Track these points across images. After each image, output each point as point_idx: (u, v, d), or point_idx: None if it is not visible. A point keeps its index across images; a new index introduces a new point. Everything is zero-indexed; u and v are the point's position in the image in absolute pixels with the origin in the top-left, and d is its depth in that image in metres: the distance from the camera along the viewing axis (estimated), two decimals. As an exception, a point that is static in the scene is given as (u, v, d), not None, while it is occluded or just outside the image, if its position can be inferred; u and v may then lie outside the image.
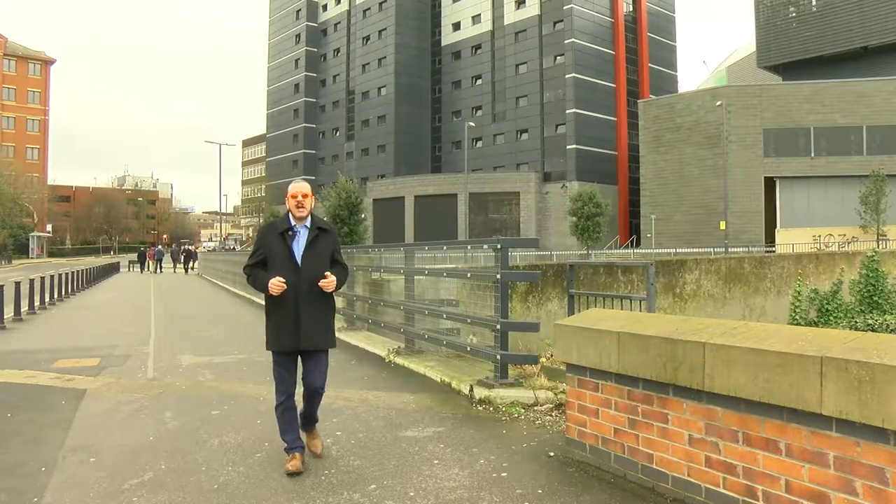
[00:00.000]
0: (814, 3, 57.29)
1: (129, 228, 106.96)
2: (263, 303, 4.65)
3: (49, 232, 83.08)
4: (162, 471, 4.43)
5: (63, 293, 21.24)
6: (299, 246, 4.44)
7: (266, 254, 4.48)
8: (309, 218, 4.52)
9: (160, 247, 56.16)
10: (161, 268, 39.98)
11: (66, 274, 22.65)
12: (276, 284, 4.27)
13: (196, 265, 46.47)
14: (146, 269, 44.13)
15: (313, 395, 4.62)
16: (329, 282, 4.40)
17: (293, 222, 4.49)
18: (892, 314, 20.94)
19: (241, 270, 4.91)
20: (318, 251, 4.49)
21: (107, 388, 7.13)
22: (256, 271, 4.50)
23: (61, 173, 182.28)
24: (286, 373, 4.51)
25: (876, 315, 20.90)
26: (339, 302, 12.42)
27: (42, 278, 18.67)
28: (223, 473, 4.36)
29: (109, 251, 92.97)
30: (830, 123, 47.52)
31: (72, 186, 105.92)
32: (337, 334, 10.88)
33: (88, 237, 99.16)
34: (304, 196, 4.49)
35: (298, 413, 4.67)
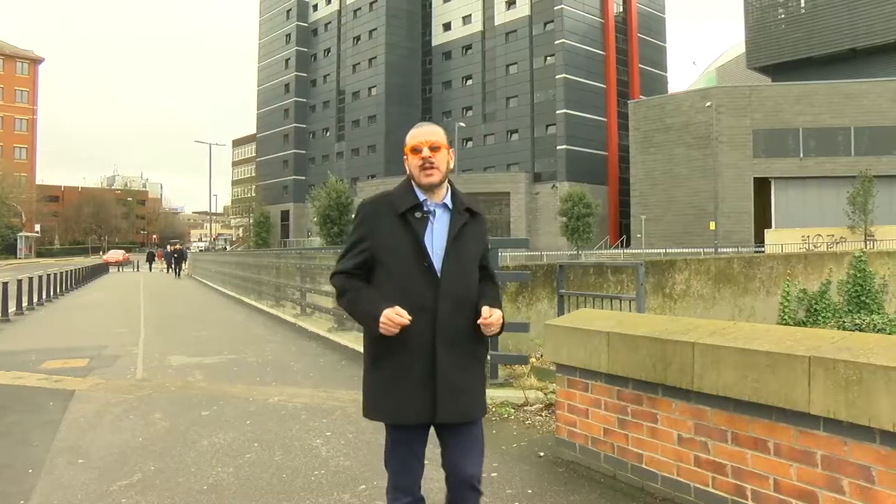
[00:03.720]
0: (803, 4, 57.64)
1: (119, 229, 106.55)
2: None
3: (37, 232, 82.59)
4: (151, 472, 4.40)
5: (52, 293, 21.12)
6: (436, 239, 2.60)
7: (373, 251, 2.62)
8: (447, 189, 2.70)
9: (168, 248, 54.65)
10: (179, 269, 37.95)
11: (55, 274, 22.52)
12: (393, 320, 2.45)
13: (186, 266, 44.26)
14: (169, 270, 42.40)
15: (465, 492, 2.74)
16: (492, 321, 2.57)
17: (421, 195, 2.64)
18: (879, 314, 21.09)
19: (330, 281, 2.86)
20: (466, 251, 2.66)
21: (95, 389, 7.10)
22: (355, 284, 2.64)
23: (50, 173, 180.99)
24: (412, 458, 2.72)
25: (863, 315, 21.04)
26: (329, 302, 12.42)
27: (30, 278, 18.57)
28: (213, 474, 4.34)
29: (99, 251, 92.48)
30: (819, 124, 47.80)
31: (60, 186, 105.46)
32: (327, 335, 10.97)
33: (77, 237, 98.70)
34: (435, 148, 2.63)
35: None
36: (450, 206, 2.68)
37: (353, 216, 2.90)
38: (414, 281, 2.55)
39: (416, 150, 2.65)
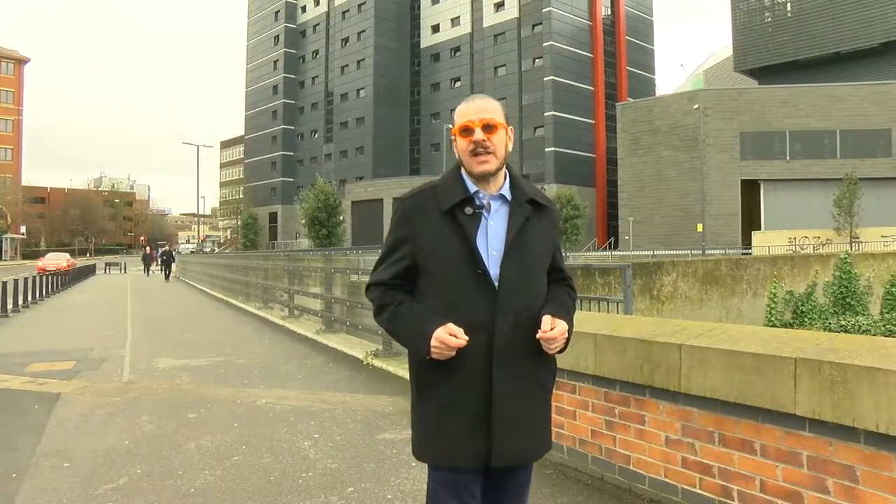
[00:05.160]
0: (789, 9, 58.17)
1: (106, 230, 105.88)
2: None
3: (23, 234, 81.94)
4: (137, 475, 4.38)
5: (38, 295, 20.98)
6: (491, 240, 2.13)
7: (416, 257, 2.17)
8: (505, 177, 2.23)
9: (159, 249, 52.38)
10: (168, 272, 37.11)
11: (41, 276, 22.36)
12: (448, 342, 2.01)
13: (175, 268, 42.83)
14: (148, 272, 42.21)
15: None
16: (553, 334, 2.10)
17: (472, 186, 2.17)
18: (864, 315, 21.25)
19: (365, 294, 2.35)
20: (531, 253, 2.18)
21: (81, 392, 7.05)
22: (396, 298, 2.20)
23: (36, 174, 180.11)
24: None
25: (849, 316, 21.19)
26: (317, 304, 12.40)
27: (16, 280, 18.43)
28: (200, 477, 4.32)
29: (86, 253, 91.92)
30: (805, 127, 48.14)
31: (47, 188, 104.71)
32: (315, 337, 10.95)
33: (64, 239, 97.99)
34: (490, 127, 2.14)
35: None
36: (508, 197, 2.19)
37: (392, 215, 2.30)
38: (465, 292, 2.08)
39: (466, 131, 2.15)
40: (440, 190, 2.19)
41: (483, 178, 2.15)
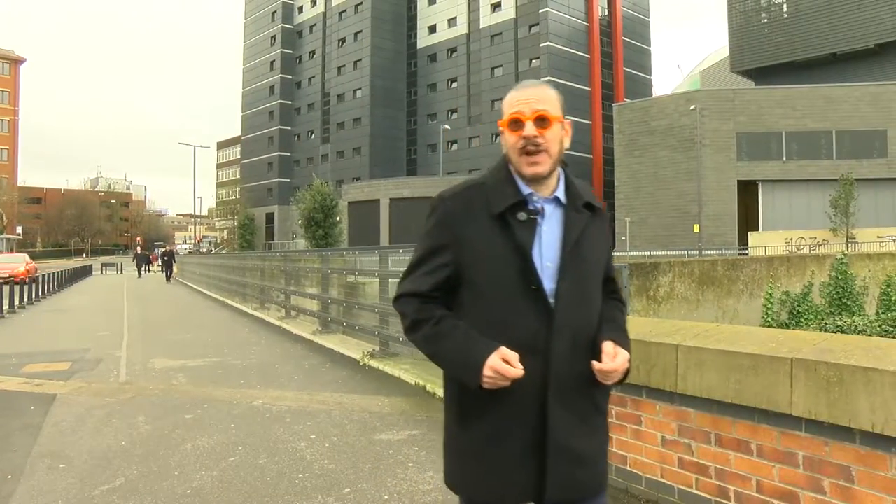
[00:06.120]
0: (785, 10, 58.31)
1: (102, 231, 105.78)
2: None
3: (19, 234, 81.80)
4: (134, 476, 4.37)
5: (34, 296, 20.93)
6: (545, 249, 1.86)
7: (459, 266, 1.88)
8: (560, 177, 1.95)
9: (164, 248, 50.24)
10: (170, 272, 36.27)
11: (38, 276, 22.31)
12: (505, 373, 1.74)
13: (175, 269, 40.49)
14: (141, 274, 41.16)
15: None
16: (615, 366, 1.87)
17: (525, 187, 1.90)
18: (860, 316, 21.28)
19: (394, 305, 2.01)
20: (589, 264, 1.93)
21: (77, 393, 7.03)
22: (434, 313, 1.89)
23: (32, 175, 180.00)
24: None
25: (845, 317, 21.21)
26: (314, 305, 12.40)
27: (12, 281, 18.37)
28: (196, 478, 4.31)
29: (82, 254, 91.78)
30: (801, 128, 48.24)
31: (43, 188, 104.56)
32: (312, 337, 10.94)
33: (60, 239, 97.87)
34: (543, 121, 1.85)
35: None
36: (563, 200, 1.91)
37: (427, 214, 1.98)
38: (517, 310, 1.82)
39: (515, 124, 1.86)
40: (489, 189, 1.90)
41: (535, 180, 1.88)
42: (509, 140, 1.88)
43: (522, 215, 1.84)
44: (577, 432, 1.87)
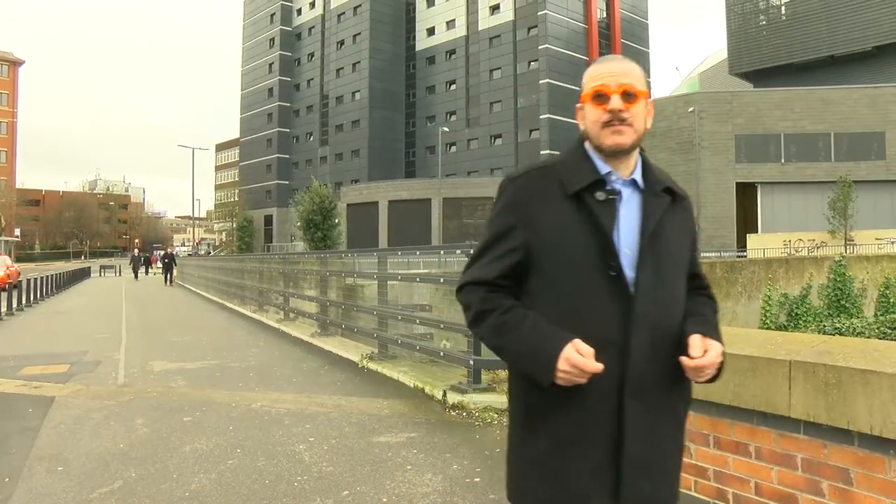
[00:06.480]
0: (783, 12, 58.44)
1: (101, 233, 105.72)
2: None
3: (17, 236, 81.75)
4: (132, 479, 4.37)
5: (32, 298, 20.91)
6: (623, 235, 1.71)
7: (531, 250, 1.73)
8: (638, 159, 1.81)
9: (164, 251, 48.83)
10: (170, 276, 35.58)
11: (36, 279, 22.29)
12: (583, 367, 1.58)
13: (175, 272, 38.45)
14: (136, 276, 40.88)
15: None
16: (707, 361, 1.68)
17: (604, 166, 1.76)
18: (858, 318, 21.29)
19: (456, 296, 1.89)
20: (669, 253, 1.77)
21: (76, 396, 7.03)
22: (502, 303, 1.74)
23: (30, 177, 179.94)
24: None
25: (843, 319, 21.22)
26: (313, 307, 12.39)
27: (10, 283, 18.35)
28: (195, 480, 4.31)
29: (80, 256, 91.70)
30: (800, 130, 48.28)
31: (41, 190, 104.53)
32: (310, 340, 10.95)
33: (58, 242, 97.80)
34: (630, 96, 1.73)
35: None
36: (640, 183, 1.77)
37: (495, 198, 1.87)
38: (594, 298, 1.66)
39: (599, 98, 1.73)
40: (563, 168, 1.76)
41: (615, 155, 1.74)
42: (592, 114, 1.75)
43: (601, 195, 1.70)
44: (654, 441, 1.70)
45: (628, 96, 1.71)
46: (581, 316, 1.66)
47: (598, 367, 1.58)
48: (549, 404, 1.68)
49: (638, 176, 1.77)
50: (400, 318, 8.48)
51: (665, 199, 1.78)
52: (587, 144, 1.79)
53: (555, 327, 1.64)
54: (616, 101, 1.70)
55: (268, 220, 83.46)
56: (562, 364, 1.58)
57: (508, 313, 1.70)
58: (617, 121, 1.70)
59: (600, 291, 1.66)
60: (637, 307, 1.66)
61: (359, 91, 74.69)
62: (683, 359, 1.67)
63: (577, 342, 1.60)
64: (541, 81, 61.76)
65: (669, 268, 1.75)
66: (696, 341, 1.68)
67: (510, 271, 1.74)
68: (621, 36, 68.44)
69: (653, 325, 1.68)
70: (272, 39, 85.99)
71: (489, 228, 1.82)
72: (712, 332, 1.76)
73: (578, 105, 1.81)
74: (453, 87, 70.47)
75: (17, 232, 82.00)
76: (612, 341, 1.64)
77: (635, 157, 1.78)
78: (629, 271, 1.68)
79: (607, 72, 1.74)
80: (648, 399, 1.67)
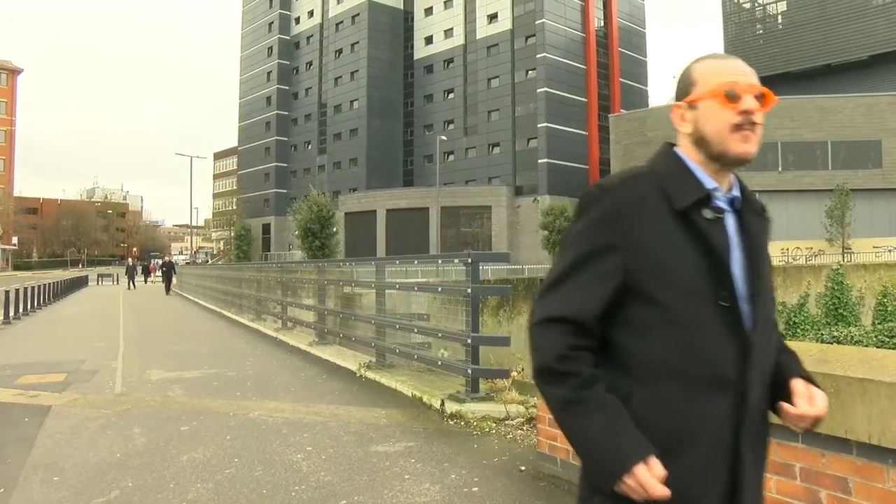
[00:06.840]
0: (780, 21, 58.69)
1: (99, 241, 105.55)
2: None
3: (15, 244, 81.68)
4: (129, 488, 4.35)
5: (29, 307, 20.87)
6: (733, 257, 1.49)
7: (634, 275, 1.45)
8: (732, 176, 1.58)
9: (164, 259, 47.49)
10: (169, 284, 35.05)
11: (33, 287, 22.26)
12: (651, 490, 1.35)
13: (175, 281, 37.33)
14: (131, 285, 40.18)
15: None
16: (816, 412, 1.53)
17: (709, 179, 1.52)
18: (856, 326, 21.31)
19: (530, 334, 1.51)
20: (769, 280, 1.58)
21: (73, 405, 7.01)
22: (586, 370, 1.44)
23: (28, 185, 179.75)
24: None
25: (841, 327, 21.25)
26: (310, 316, 12.38)
27: (7, 291, 18.33)
28: (192, 490, 4.29)
29: (78, 264, 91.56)
30: (797, 138, 48.42)
31: (39, 198, 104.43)
32: (308, 349, 10.93)
33: (56, 250, 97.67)
34: (765, 98, 1.51)
35: None
36: (739, 202, 1.56)
37: (577, 211, 1.55)
38: (708, 333, 1.44)
39: (731, 97, 1.48)
40: (667, 180, 1.50)
41: (731, 166, 1.53)
42: (718, 115, 1.49)
43: (709, 213, 1.47)
44: (758, 490, 1.53)
45: (760, 100, 1.51)
46: (696, 352, 1.43)
47: (665, 493, 1.35)
48: (662, 450, 1.41)
49: (737, 192, 1.56)
50: (398, 327, 8.47)
51: (766, 221, 1.61)
52: (680, 152, 1.56)
53: (632, 427, 1.40)
54: (750, 101, 1.48)
55: (266, 229, 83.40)
56: (629, 480, 1.36)
57: (587, 389, 1.42)
58: (748, 125, 1.48)
59: (714, 324, 1.44)
60: (755, 343, 1.46)
61: (357, 100, 74.77)
62: (788, 408, 1.52)
63: (652, 460, 1.37)
64: (539, 90, 61.84)
65: (770, 296, 1.57)
66: (800, 388, 1.53)
67: (604, 304, 1.47)
68: (619, 45, 68.58)
69: (762, 361, 1.49)
70: (270, 48, 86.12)
71: (573, 246, 1.52)
72: (810, 375, 1.60)
73: (679, 103, 1.57)
74: (451, 95, 70.56)
75: (15, 240, 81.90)
76: (727, 381, 1.43)
77: (730, 174, 1.58)
78: (742, 303, 1.47)
79: (735, 69, 1.52)
80: (756, 446, 1.49)
